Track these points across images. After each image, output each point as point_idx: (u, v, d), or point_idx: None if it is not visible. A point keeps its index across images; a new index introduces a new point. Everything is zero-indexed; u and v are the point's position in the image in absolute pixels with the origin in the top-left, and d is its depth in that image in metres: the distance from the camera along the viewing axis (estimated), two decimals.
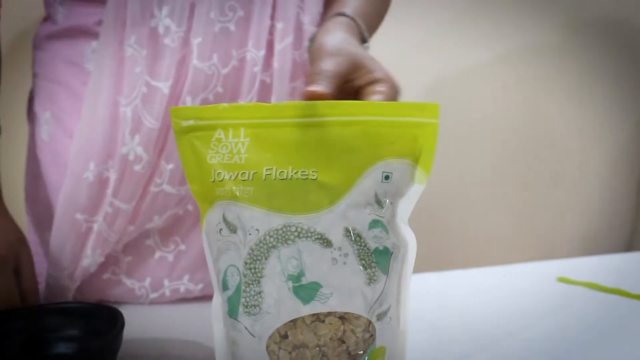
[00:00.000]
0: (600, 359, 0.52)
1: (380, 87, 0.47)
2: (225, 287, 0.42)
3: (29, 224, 0.70)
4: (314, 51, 0.52)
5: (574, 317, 0.63)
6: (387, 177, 0.41)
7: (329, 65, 0.47)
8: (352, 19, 0.57)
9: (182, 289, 0.67)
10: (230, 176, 0.41)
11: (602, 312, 0.65)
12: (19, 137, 0.75)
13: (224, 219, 0.41)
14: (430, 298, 0.69)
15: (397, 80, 0.49)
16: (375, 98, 0.46)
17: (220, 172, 0.41)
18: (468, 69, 1.48)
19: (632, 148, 1.66)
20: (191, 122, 0.42)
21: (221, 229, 0.42)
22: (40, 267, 0.65)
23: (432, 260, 1.02)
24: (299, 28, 0.63)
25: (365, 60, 0.49)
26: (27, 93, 0.71)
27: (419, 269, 0.72)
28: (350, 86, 0.49)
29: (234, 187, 0.41)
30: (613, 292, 0.71)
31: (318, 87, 0.45)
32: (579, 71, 1.55)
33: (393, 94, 0.47)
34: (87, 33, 0.62)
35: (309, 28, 0.63)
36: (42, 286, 0.64)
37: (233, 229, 0.41)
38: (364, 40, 0.58)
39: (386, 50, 0.68)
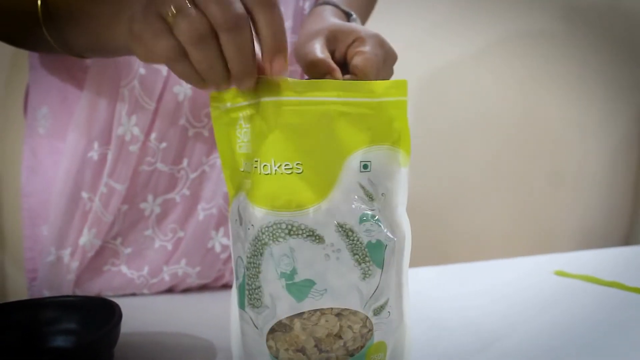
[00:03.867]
0: (596, 350, 0.52)
1: (364, 47, 0.44)
2: (236, 276, 0.42)
3: (23, 219, 0.70)
4: (300, 41, 0.49)
5: (571, 309, 0.64)
6: (365, 167, 0.39)
7: (317, 48, 0.45)
8: (335, 5, 0.56)
9: (180, 272, 0.67)
10: (245, 166, 0.41)
11: (599, 305, 0.65)
12: (18, 132, 0.75)
13: (237, 210, 0.41)
14: (429, 292, 0.69)
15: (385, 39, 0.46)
16: (366, 56, 0.43)
17: (245, 163, 0.41)
18: (462, 64, 1.48)
19: (629, 142, 1.66)
20: (228, 105, 0.42)
21: (236, 219, 0.42)
22: (36, 262, 0.65)
23: (430, 255, 1.03)
24: (299, 13, 0.63)
25: (344, 25, 0.47)
26: (24, 88, 0.71)
27: (418, 263, 0.72)
28: (338, 51, 0.47)
29: (244, 180, 0.41)
30: (610, 285, 0.71)
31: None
32: (575, 64, 1.55)
33: (380, 50, 0.44)
34: None
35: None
36: (40, 274, 0.64)
37: (240, 221, 0.41)
38: (349, 16, 0.56)
39: None
